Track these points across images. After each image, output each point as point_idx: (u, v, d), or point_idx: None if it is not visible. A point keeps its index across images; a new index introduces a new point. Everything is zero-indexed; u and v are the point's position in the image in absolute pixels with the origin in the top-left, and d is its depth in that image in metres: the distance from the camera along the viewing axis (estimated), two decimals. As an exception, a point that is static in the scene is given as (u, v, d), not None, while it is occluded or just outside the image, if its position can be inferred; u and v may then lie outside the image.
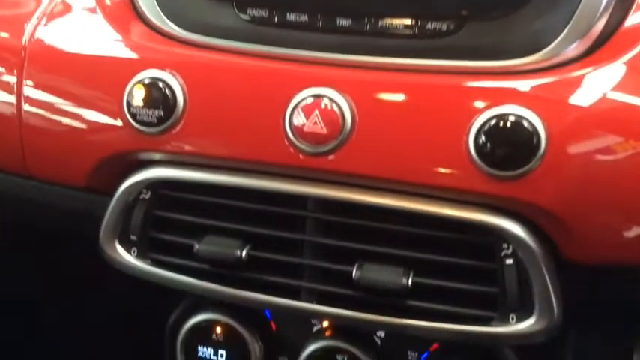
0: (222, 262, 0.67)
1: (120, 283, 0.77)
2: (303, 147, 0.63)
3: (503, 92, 0.60)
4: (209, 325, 0.78)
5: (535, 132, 0.57)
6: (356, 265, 0.64)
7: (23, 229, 0.87)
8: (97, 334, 1.01)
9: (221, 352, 0.78)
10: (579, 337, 0.78)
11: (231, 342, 0.77)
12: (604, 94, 0.59)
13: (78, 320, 1.03)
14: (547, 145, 0.58)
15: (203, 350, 0.79)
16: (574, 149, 0.59)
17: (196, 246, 0.68)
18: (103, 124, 0.69)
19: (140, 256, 0.71)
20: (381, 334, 0.77)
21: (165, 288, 0.73)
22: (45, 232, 0.85)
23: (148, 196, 0.70)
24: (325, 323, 0.77)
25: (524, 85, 0.60)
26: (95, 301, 0.96)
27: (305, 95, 0.63)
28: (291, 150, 0.63)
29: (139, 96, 0.66)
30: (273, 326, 0.80)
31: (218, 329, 0.78)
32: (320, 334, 0.76)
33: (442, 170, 0.60)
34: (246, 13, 0.67)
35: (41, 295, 1.01)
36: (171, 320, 0.81)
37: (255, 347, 0.77)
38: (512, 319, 0.62)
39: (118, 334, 0.97)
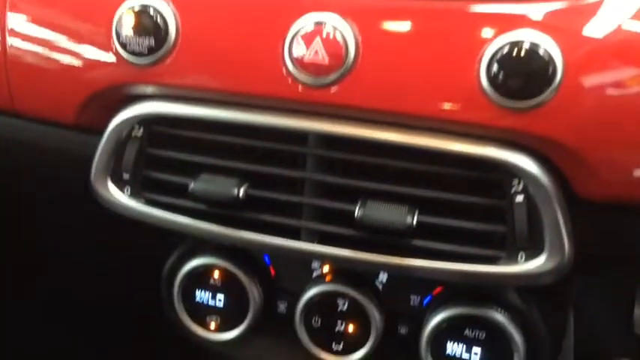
0: (218, 201, 0.64)
1: (113, 228, 0.75)
2: (303, 78, 0.59)
3: (519, 17, 0.56)
4: (206, 270, 0.76)
5: (551, 60, 0.54)
6: (358, 203, 0.62)
7: (13, 172, 0.84)
8: (92, 281, 1.00)
9: (219, 297, 0.76)
10: (583, 282, 0.76)
11: (230, 287, 0.75)
12: (621, 24, 0.55)
13: (73, 266, 1.01)
14: (563, 74, 0.54)
15: (201, 295, 0.77)
16: (590, 80, 0.55)
17: (191, 185, 0.65)
18: (91, 55, 0.65)
19: (133, 195, 0.69)
20: (383, 278, 0.75)
21: (161, 231, 0.70)
22: (35, 174, 0.82)
23: (140, 133, 0.66)
24: (325, 268, 0.75)
25: (540, 9, 0.56)
26: (89, 246, 0.94)
27: (306, 22, 0.59)
28: (290, 81, 0.60)
29: (128, 24, 0.62)
30: (272, 272, 0.78)
31: (216, 274, 0.76)
32: (320, 280, 0.74)
33: (451, 102, 0.57)
34: None
35: (34, 240, 0.99)
36: (168, 265, 0.79)
37: (254, 292, 0.75)
38: (521, 258, 0.59)
39: (113, 282, 0.95)
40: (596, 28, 0.55)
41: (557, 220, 0.58)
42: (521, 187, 0.58)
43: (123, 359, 1.13)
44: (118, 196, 0.68)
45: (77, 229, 0.90)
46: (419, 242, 0.61)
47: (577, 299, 0.79)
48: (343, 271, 0.73)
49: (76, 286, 1.02)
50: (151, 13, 0.61)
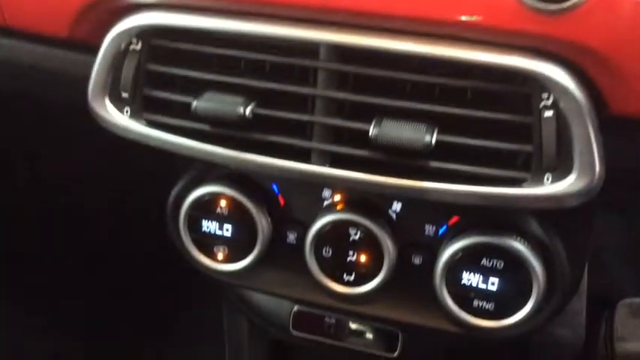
0: (223, 121, 0.61)
1: (117, 155, 0.72)
2: None
3: None
4: (213, 198, 0.72)
5: None
6: (373, 122, 0.57)
7: (12, 95, 0.80)
8: (97, 212, 0.98)
9: (226, 227, 0.74)
10: (603, 209, 0.72)
11: (237, 217, 0.72)
12: None
13: (77, 194, 0.99)
14: None
15: (208, 225, 0.74)
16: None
17: (194, 103, 0.61)
18: None
19: (133, 116, 0.65)
20: (397, 208, 0.71)
21: (165, 157, 0.67)
22: (34, 97, 0.78)
23: (138, 47, 0.62)
24: (337, 197, 0.72)
25: None
26: (92, 174, 0.91)
27: None
28: None
29: None
30: (281, 201, 0.75)
31: (223, 203, 0.72)
32: (331, 208, 0.71)
33: (477, 5, 0.52)
34: None
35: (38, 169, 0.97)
36: (173, 194, 0.76)
37: (262, 222, 0.72)
38: (548, 179, 0.55)
39: (118, 211, 0.93)
40: None
41: (588, 137, 0.54)
42: (550, 101, 0.54)
43: (131, 293, 1.13)
44: (117, 117, 0.65)
45: (80, 156, 0.87)
46: (437, 163, 0.57)
47: (597, 226, 0.76)
48: (355, 199, 0.70)
49: (81, 218, 1.01)
50: None
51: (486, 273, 0.66)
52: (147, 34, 0.61)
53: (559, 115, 0.54)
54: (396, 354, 0.79)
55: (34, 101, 0.80)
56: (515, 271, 0.65)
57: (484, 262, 0.66)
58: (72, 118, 0.75)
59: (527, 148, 0.56)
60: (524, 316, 0.67)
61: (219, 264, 0.75)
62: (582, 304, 0.87)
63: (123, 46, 0.62)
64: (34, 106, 0.84)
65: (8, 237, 1.10)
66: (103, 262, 1.20)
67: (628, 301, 0.98)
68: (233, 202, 0.72)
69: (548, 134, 0.54)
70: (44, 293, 1.17)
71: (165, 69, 0.63)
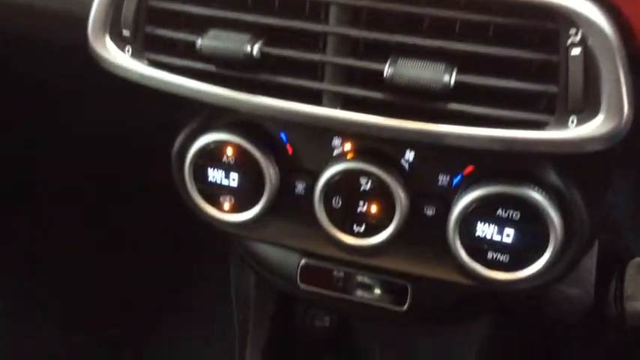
0: (229, 60, 0.58)
1: (120, 98, 0.69)
2: None
3: None
4: (219, 146, 0.70)
5: None
6: (388, 61, 0.54)
7: (14, 39, 0.77)
8: (103, 158, 0.95)
9: (233, 176, 0.71)
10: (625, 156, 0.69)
11: (244, 165, 0.70)
12: None
13: (81, 140, 0.97)
14: None
15: (214, 174, 0.72)
16: None
17: (199, 42, 0.58)
18: None
19: (135, 55, 0.62)
20: (410, 156, 0.69)
21: (169, 102, 0.64)
22: (36, 41, 0.75)
23: None
24: (347, 146, 0.69)
25: None
26: (97, 120, 0.89)
27: None
28: None
29: None
30: (290, 150, 0.72)
31: (229, 151, 0.70)
32: (341, 157, 0.68)
33: None
34: None
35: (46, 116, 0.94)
36: (178, 142, 0.74)
37: (270, 171, 0.70)
38: (572, 122, 0.53)
39: (122, 163, 0.91)
40: None
41: (618, 76, 0.50)
42: (578, 37, 0.50)
43: (135, 248, 1.12)
44: (118, 57, 0.62)
45: (83, 99, 0.84)
46: (456, 106, 0.54)
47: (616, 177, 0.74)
48: (367, 148, 0.68)
49: (85, 161, 0.99)
50: None
51: (502, 224, 0.64)
52: None
53: (587, 53, 0.51)
54: (405, 307, 0.78)
55: (35, 45, 0.77)
56: (531, 222, 0.63)
57: (500, 212, 0.64)
58: (72, 62, 0.73)
59: (553, 88, 0.53)
60: (540, 269, 0.65)
61: (226, 214, 0.73)
62: (593, 262, 0.86)
63: None
64: (35, 50, 0.81)
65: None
66: (108, 215, 1.19)
67: (638, 260, 0.97)
68: (240, 151, 0.70)
69: (575, 73, 0.51)
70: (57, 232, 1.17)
71: (167, 5, 0.60)
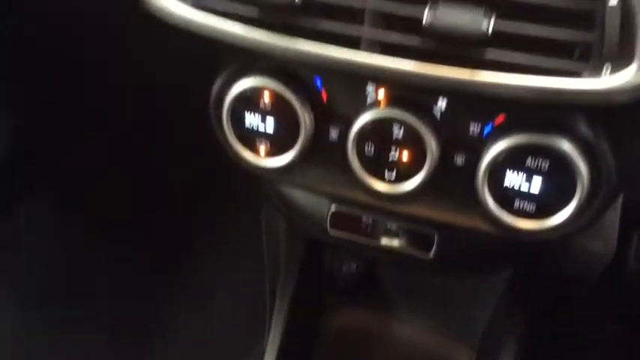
0: (272, 4, 0.59)
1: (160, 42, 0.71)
2: None
3: None
4: (256, 92, 0.72)
5: None
6: (427, 6, 0.56)
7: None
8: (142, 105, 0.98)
9: (269, 121, 0.74)
10: None
11: (280, 111, 0.72)
12: None
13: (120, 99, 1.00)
14: None
15: (250, 119, 0.75)
16: None
17: None
18: None
19: None
20: (442, 105, 0.70)
21: (209, 47, 0.66)
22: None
23: None
24: (381, 94, 0.71)
25: None
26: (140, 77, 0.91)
27: None
28: None
29: None
30: (324, 96, 0.74)
31: (266, 97, 0.72)
32: (374, 105, 0.70)
33: None
34: None
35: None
36: (216, 87, 0.76)
37: (305, 116, 0.72)
38: (607, 70, 0.54)
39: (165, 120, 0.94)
40: None
41: None
42: None
43: (168, 201, 1.16)
44: (166, 2, 0.64)
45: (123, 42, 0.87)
46: (494, 53, 0.56)
47: None
48: (400, 96, 0.69)
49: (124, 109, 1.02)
50: None
51: (530, 173, 0.66)
52: None
53: (624, 3, 0.51)
54: (430, 255, 0.81)
55: None
56: (560, 172, 0.65)
57: (529, 162, 0.66)
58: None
59: (589, 37, 0.54)
60: (566, 219, 0.67)
61: (262, 159, 0.76)
62: (616, 217, 0.86)
63: None
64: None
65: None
66: (143, 166, 1.23)
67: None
68: (276, 96, 0.72)
69: (612, 23, 0.52)
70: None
71: None
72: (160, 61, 0.87)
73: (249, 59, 0.72)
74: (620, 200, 0.83)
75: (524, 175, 0.66)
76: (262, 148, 0.75)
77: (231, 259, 1.29)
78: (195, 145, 0.93)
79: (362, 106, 0.71)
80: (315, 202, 0.85)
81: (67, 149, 1.19)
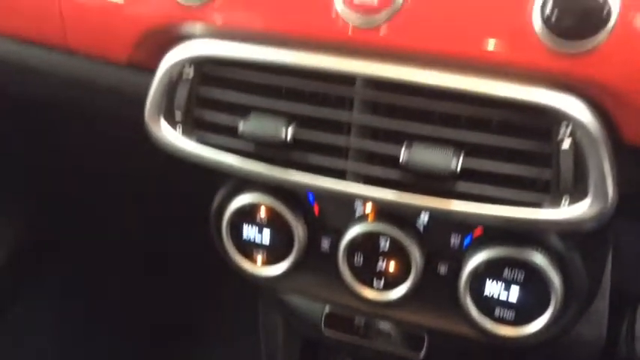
0: (266, 142, 0.66)
1: (164, 166, 0.78)
2: (352, 19, 0.59)
3: None
4: (253, 207, 0.78)
5: (606, 1, 0.53)
6: (404, 146, 0.63)
7: (70, 107, 0.87)
8: (142, 216, 1.04)
9: (265, 233, 0.80)
10: (626, 227, 0.76)
11: (276, 224, 0.78)
12: None
13: (122, 206, 1.06)
14: (618, 16, 0.53)
15: (248, 232, 0.80)
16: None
17: (241, 126, 0.67)
18: None
19: (185, 134, 0.71)
20: (424, 219, 0.76)
21: (210, 171, 0.73)
22: (90, 110, 0.85)
23: (191, 74, 0.68)
24: (368, 208, 0.77)
25: None
26: (140, 184, 0.98)
27: None
28: (341, 23, 0.60)
29: None
30: (316, 210, 0.80)
31: (262, 212, 0.78)
32: (363, 219, 0.76)
33: (503, 42, 0.56)
34: None
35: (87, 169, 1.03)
36: (216, 202, 0.82)
37: (298, 229, 0.78)
38: (565, 203, 0.60)
39: (163, 217, 1.00)
40: None
41: (602, 166, 0.58)
42: (568, 132, 0.58)
43: (168, 293, 1.19)
44: (171, 136, 0.71)
45: (129, 163, 0.93)
46: (462, 186, 0.62)
47: (615, 240, 0.79)
48: (385, 211, 0.75)
49: (129, 216, 1.07)
50: None
51: (508, 284, 0.71)
52: (198, 62, 0.67)
53: (576, 145, 0.58)
54: (421, 355, 0.84)
55: (85, 111, 0.86)
56: (534, 283, 0.70)
57: (506, 273, 0.71)
58: (121, 130, 0.82)
59: (547, 174, 0.60)
60: (543, 326, 0.71)
61: (259, 268, 0.81)
62: (605, 303, 0.90)
63: (176, 73, 0.68)
64: (84, 115, 0.90)
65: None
66: (143, 263, 1.27)
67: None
68: (272, 211, 0.78)
69: (566, 163, 0.58)
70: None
71: (215, 93, 0.69)
72: (161, 172, 0.93)
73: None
74: (608, 286, 0.87)
75: (503, 285, 0.71)
76: (259, 258, 0.81)
77: (231, 336, 1.31)
78: (193, 240, 0.97)
79: (351, 219, 0.77)
80: (310, 304, 0.89)
81: (67, 251, 1.24)
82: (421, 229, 0.76)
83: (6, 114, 0.94)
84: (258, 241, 0.80)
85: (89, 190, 1.08)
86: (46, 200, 1.13)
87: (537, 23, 0.54)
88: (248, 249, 0.81)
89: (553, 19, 0.53)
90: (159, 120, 0.71)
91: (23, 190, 1.11)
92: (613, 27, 0.53)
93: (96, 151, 0.98)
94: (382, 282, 0.77)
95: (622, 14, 0.53)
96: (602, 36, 0.53)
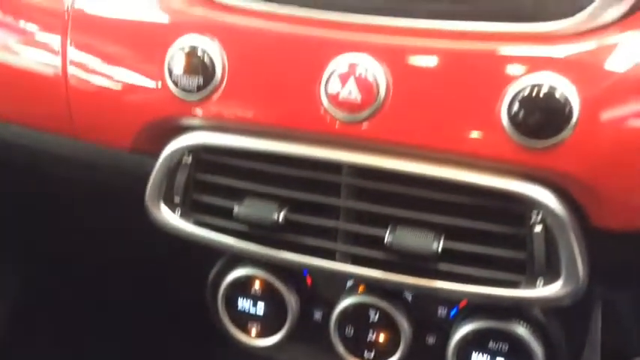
0: (260, 224, 0.71)
1: (162, 243, 0.82)
2: (338, 115, 0.64)
3: (538, 59, 0.60)
4: (248, 280, 0.82)
5: (567, 102, 0.58)
6: (388, 229, 0.67)
7: (70, 185, 0.91)
8: (139, 289, 1.07)
9: (260, 305, 0.83)
10: (607, 297, 0.79)
11: (269, 296, 0.82)
12: (634, 65, 0.58)
13: (120, 273, 1.09)
14: (580, 114, 0.58)
15: (243, 304, 0.83)
16: (607, 116, 0.59)
17: (236, 209, 0.71)
18: (146, 90, 0.71)
19: (183, 216, 0.75)
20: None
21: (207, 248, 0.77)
22: (90, 188, 0.89)
23: (189, 161, 0.73)
24: (358, 280, 0.81)
25: (559, 51, 0.59)
26: (138, 258, 1.01)
27: (341, 63, 0.64)
28: (327, 118, 0.65)
29: (179, 64, 0.68)
30: (309, 282, 0.84)
31: (257, 284, 0.82)
32: (353, 291, 0.80)
33: (475, 138, 0.61)
34: None
35: (83, 247, 1.07)
36: (212, 275, 0.86)
37: (291, 301, 0.81)
38: (540, 283, 0.64)
39: (159, 290, 1.03)
40: (614, 66, 0.59)
41: (572, 250, 0.62)
42: (539, 217, 0.62)
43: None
44: (170, 217, 0.75)
45: (127, 240, 0.96)
46: (444, 266, 0.66)
47: (603, 312, 0.83)
48: (374, 284, 0.79)
49: (121, 291, 1.10)
50: (199, 53, 0.67)
51: (493, 354, 0.74)
52: (196, 150, 0.72)
53: (547, 230, 0.62)
54: None
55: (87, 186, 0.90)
56: (518, 353, 0.73)
57: (491, 344, 0.74)
58: (125, 209, 0.86)
59: (522, 255, 0.64)
60: None
61: (253, 339, 0.84)
62: (597, 359, 0.92)
63: (176, 159, 0.73)
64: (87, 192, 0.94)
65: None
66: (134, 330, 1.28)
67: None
68: (266, 284, 0.81)
69: (539, 246, 0.63)
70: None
71: (211, 178, 0.73)
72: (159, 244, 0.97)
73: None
74: (599, 343, 0.89)
75: (489, 356, 0.74)
76: (253, 330, 0.84)
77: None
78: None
79: (342, 291, 0.81)
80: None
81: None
82: (409, 299, 0.80)
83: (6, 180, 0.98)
84: (252, 312, 0.83)
85: (88, 254, 1.11)
86: (43, 262, 1.16)
87: (505, 121, 0.59)
88: (243, 320, 0.84)
89: (519, 118, 0.58)
90: (159, 203, 0.75)
91: (21, 251, 1.14)
92: (575, 124, 0.58)
93: (96, 219, 1.02)
94: (373, 353, 0.79)
95: (583, 111, 0.58)
96: (566, 133, 0.58)
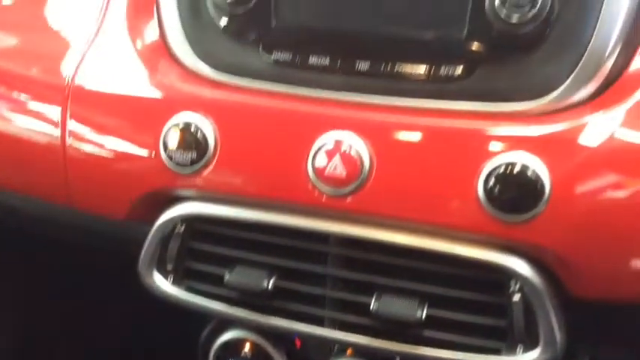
0: (250, 291, 0.73)
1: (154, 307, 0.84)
2: (324, 189, 0.68)
3: (512, 138, 0.64)
4: (238, 342, 0.84)
5: (539, 179, 0.61)
6: (374, 296, 0.69)
7: (66, 250, 0.94)
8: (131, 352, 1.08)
9: None
10: (594, 354, 0.81)
11: (259, 358, 0.83)
12: (610, 136, 0.62)
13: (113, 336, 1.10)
14: (551, 190, 0.61)
15: None
16: (579, 191, 0.62)
17: (227, 276, 0.74)
18: (142, 163, 0.74)
19: (176, 283, 0.78)
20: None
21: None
22: (83, 252, 0.91)
23: (182, 230, 0.75)
24: (347, 343, 0.83)
25: (531, 131, 0.63)
26: (130, 321, 1.02)
27: (327, 139, 0.67)
28: (315, 192, 0.68)
29: (174, 140, 0.71)
30: (298, 344, 0.86)
31: (247, 346, 0.84)
32: (341, 354, 0.82)
33: (452, 211, 0.65)
34: (271, 55, 0.71)
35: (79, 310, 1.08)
36: (203, 337, 0.88)
37: None
38: (520, 350, 0.66)
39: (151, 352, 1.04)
40: (585, 143, 0.62)
41: (550, 318, 0.65)
42: (517, 287, 0.65)
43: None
44: (162, 284, 0.77)
45: (120, 305, 0.98)
46: (428, 333, 0.69)
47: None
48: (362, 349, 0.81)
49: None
50: (193, 130, 0.71)
51: None
52: (189, 220, 0.75)
53: (525, 298, 0.65)
54: None
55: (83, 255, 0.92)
56: None
57: None
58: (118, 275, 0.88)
59: (502, 323, 0.67)
60: None
61: None
62: None
63: (169, 229, 0.75)
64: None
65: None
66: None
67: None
68: (256, 346, 0.83)
69: (517, 314, 0.65)
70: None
71: (203, 247, 0.76)
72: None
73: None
74: None
75: None
76: (244, 391, 0.85)
77: None
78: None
79: (330, 352, 0.83)
80: None
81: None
82: (396, 361, 0.82)
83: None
84: None
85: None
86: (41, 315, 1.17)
87: (482, 196, 0.63)
88: None
89: (494, 193, 0.62)
90: (152, 270, 0.77)
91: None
92: (547, 200, 0.62)
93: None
94: None
95: (555, 188, 0.62)
96: (539, 208, 0.62)
